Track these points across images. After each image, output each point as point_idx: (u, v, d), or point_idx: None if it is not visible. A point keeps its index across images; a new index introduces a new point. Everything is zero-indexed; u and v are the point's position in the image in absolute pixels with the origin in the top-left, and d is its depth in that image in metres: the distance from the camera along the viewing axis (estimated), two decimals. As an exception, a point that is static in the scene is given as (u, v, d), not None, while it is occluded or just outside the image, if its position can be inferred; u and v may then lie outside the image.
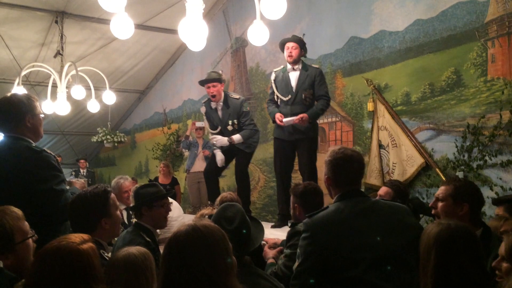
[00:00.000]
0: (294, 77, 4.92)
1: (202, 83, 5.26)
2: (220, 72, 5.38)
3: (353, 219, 2.10)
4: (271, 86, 5.11)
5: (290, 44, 4.88)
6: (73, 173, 10.96)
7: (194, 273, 1.47)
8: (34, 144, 2.71)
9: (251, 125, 5.34)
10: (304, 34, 5.09)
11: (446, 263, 1.67)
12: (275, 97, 5.03)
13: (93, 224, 2.37)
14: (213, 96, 5.18)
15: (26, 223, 1.93)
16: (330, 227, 2.09)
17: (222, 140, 5.21)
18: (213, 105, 5.30)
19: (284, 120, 4.79)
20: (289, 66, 4.96)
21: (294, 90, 4.90)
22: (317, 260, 2.04)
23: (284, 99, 4.94)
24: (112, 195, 2.51)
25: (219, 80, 5.20)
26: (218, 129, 5.33)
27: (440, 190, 2.61)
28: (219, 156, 5.36)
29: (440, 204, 2.55)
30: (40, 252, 1.70)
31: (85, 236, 1.78)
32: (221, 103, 5.27)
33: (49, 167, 2.64)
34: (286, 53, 4.89)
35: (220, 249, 1.54)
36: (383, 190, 3.92)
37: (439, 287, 1.68)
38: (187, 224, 1.59)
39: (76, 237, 1.73)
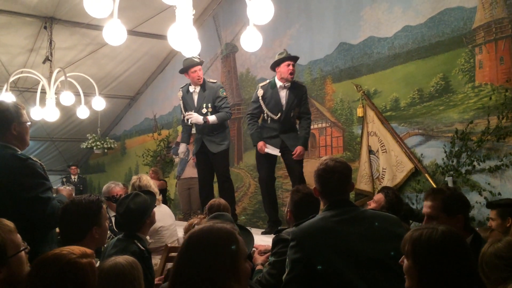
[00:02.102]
0: (284, 95, 4.93)
1: (187, 68, 5.25)
2: (198, 56, 5.39)
3: (339, 227, 2.11)
4: (257, 101, 5.06)
5: (291, 62, 4.87)
6: (64, 179, 10.85)
7: (197, 273, 1.49)
8: (20, 152, 2.68)
9: (227, 108, 5.33)
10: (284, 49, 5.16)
11: (434, 271, 1.65)
12: (265, 115, 5.02)
13: (84, 232, 2.37)
14: (199, 79, 5.24)
15: (19, 235, 1.91)
16: (316, 235, 2.10)
17: (198, 118, 5.19)
18: (191, 88, 5.35)
19: (267, 150, 4.92)
20: (279, 84, 4.94)
21: (284, 109, 4.93)
22: (305, 268, 2.05)
23: (275, 117, 4.96)
24: (104, 205, 2.52)
25: (202, 64, 5.35)
26: (192, 112, 5.32)
27: (429, 208, 2.53)
28: (182, 148, 5.57)
29: (434, 222, 2.51)
30: (39, 258, 1.70)
31: (88, 250, 1.77)
32: (199, 87, 5.31)
33: (35, 175, 2.62)
34: (286, 69, 4.84)
35: (227, 254, 1.54)
36: (376, 197, 3.95)
37: None
38: (207, 224, 1.63)
39: (79, 250, 1.72)
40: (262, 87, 5.06)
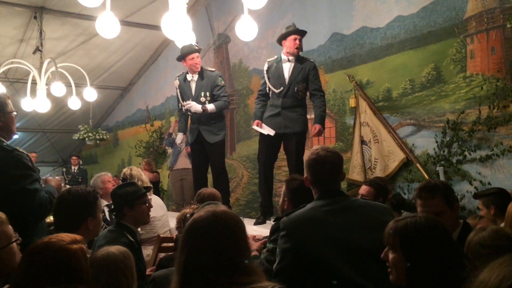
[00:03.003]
0: (287, 68, 4.84)
1: (185, 55, 5.19)
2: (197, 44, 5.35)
3: (329, 216, 2.11)
4: (263, 76, 5.03)
5: (298, 36, 4.80)
6: (64, 169, 10.79)
7: (217, 257, 1.48)
8: (5, 143, 2.65)
9: (225, 97, 5.30)
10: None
11: (423, 259, 1.63)
12: (267, 88, 4.94)
13: (78, 222, 2.38)
14: (196, 66, 5.20)
15: (10, 227, 1.91)
16: (306, 224, 2.10)
17: (196, 106, 5.14)
18: (188, 77, 5.30)
19: (261, 130, 4.82)
20: (284, 57, 4.87)
21: (286, 82, 4.82)
22: (295, 258, 2.05)
23: (276, 91, 4.86)
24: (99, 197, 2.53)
25: (199, 51, 5.30)
26: (190, 100, 5.26)
27: (434, 206, 2.45)
28: (180, 137, 5.49)
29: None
30: (29, 247, 1.70)
31: (77, 236, 1.78)
32: (197, 75, 5.26)
33: (21, 166, 2.60)
34: (292, 44, 4.78)
35: (241, 232, 1.57)
36: (364, 189, 3.90)
37: (414, 282, 1.66)
38: (206, 210, 1.60)
39: (68, 237, 1.73)
40: (268, 61, 5.03)
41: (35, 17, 7.66)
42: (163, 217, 4.36)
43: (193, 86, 5.29)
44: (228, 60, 8.22)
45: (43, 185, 2.88)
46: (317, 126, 4.73)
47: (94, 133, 10.15)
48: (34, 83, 7.09)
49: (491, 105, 4.48)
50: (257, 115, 4.96)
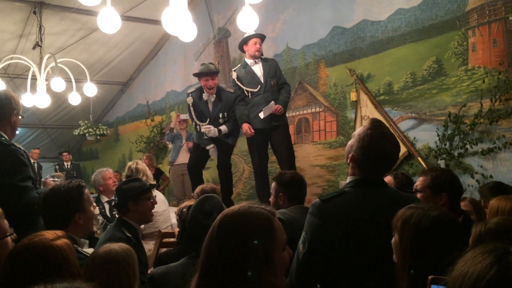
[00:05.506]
0: (258, 69, 5.20)
1: (200, 75, 5.18)
2: (217, 64, 5.45)
3: (370, 211, 1.90)
4: (235, 84, 5.26)
5: (257, 40, 5.19)
6: (57, 166, 10.77)
7: (227, 263, 1.35)
8: (4, 137, 2.67)
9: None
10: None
11: (418, 253, 1.60)
12: (245, 92, 5.17)
13: (66, 219, 2.35)
14: (210, 89, 5.17)
15: (6, 221, 1.89)
16: (347, 219, 1.88)
17: (215, 131, 5.21)
18: (204, 96, 5.27)
19: (262, 114, 5.02)
20: (249, 61, 5.21)
21: (262, 80, 5.15)
22: (325, 251, 1.86)
23: (255, 90, 5.15)
24: (86, 190, 2.48)
25: (217, 72, 5.30)
26: (207, 121, 5.27)
27: (418, 181, 2.64)
28: (212, 148, 5.45)
29: (418, 195, 2.56)
30: (12, 249, 1.68)
31: (59, 232, 1.76)
32: (214, 96, 5.24)
33: (15, 161, 2.60)
34: (253, 48, 5.17)
35: (260, 243, 1.38)
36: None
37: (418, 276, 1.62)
38: (243, 206, 1.46)
39: (50, 234, 1.72)
40: (234, 70, 5.33)
41: (34, 12, 7.64)
42: (165, 212, 4.36)
43: (210, 106, 5.28)
44: (228, 54, 8.19)
45: (42, 186, 2.88)
46: (279, 106, 5.04)
47: (95, 128, 10.14)
48: (34, 78, 7.07)
49: (493, 98, 4.45)
50: (243, 118, 5.14)
